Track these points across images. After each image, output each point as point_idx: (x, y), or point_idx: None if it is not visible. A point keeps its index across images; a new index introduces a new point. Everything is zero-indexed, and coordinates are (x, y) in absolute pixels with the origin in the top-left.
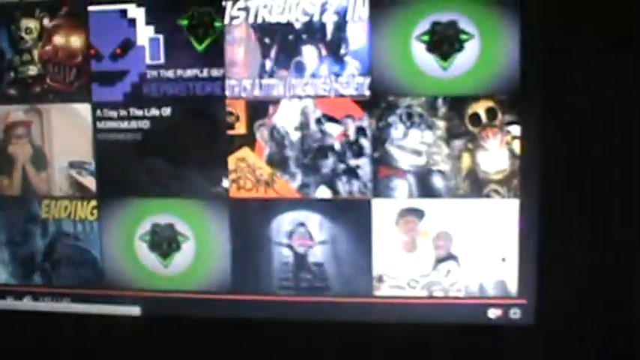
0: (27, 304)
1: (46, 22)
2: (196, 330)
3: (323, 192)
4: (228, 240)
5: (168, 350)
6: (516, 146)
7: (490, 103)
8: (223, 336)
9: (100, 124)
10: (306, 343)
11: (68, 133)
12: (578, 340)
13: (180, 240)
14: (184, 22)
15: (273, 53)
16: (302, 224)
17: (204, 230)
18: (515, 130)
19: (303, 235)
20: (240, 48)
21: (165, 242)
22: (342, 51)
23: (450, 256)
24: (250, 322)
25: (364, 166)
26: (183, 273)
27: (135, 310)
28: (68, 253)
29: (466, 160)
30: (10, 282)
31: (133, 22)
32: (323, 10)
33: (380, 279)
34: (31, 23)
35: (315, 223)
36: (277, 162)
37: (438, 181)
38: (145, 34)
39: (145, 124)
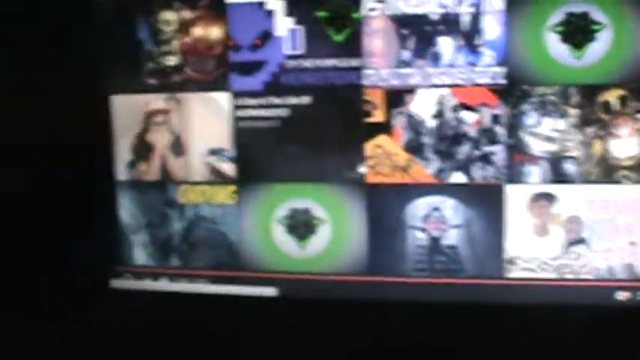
0: (163, 284)
1: (184, 14)
2: (332, 311)
3: (458, 177)
4: (364, 223)
5: (304, 330)
6: None
7: (621, 92)
8: (358, 317)
9: (240, 112)
10: (439, 324)
11: (207, 121)
12: None
13: (317, 223)
14: (323, 14)
15: (410, 44)
16: (437, 208)
17: (340, 214)
18: None
19: (437, 219)
20: (377, 39)
21: (302, 225)
22: (478, 41)
23: (580, 240)
24: (385, 303)
25: (499, 152)
26: (320, 255)
27: (271, 291)
28: (205, 236)
29: (597, 147)
30: (149, 264)
31: (270, 13)
32: (459, 2)
33: (511, 261)
34: (170, 15)
35: (450, 207)
36: (414, 148)
37: (569, 167)
38: (284, 25)
39: (284, 112)
